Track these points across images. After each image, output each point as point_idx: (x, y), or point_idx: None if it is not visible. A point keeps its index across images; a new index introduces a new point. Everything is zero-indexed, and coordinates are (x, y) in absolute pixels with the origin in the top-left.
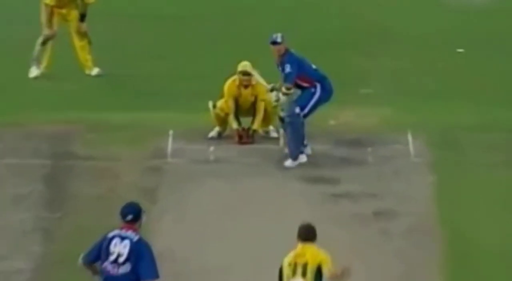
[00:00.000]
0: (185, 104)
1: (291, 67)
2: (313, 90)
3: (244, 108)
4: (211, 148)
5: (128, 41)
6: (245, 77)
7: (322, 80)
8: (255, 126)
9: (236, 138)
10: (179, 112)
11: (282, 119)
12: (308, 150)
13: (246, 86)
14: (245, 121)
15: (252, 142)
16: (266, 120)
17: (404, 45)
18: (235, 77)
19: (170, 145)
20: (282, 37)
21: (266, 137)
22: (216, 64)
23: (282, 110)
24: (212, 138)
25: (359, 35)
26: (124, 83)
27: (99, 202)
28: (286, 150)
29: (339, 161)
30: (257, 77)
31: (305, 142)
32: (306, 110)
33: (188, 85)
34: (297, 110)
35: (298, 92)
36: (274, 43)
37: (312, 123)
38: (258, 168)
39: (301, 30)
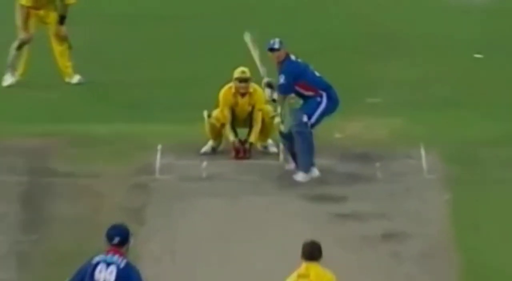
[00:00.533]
0: (176, 114)
1: (285, 78)
2: (318, 99)
3: (240, 118)
4: (204, 164)
5: (112, 45)
6: (242, 84)
7: (328, 89)
8: (252, 138)
9: (233, 152)
10: (168, 124)
11: (282, 134)
12: (315, 171)
13: (243, 94)
14: (242, 132)
15: (249, 157)
16: (264, 133)
17: (415, 50)
18: (231, 84)
19: (158, 161)
20: (281, 42)
21: (265, 152)
22: (210, 70)
23: (282, 122)
24: (205, 153)
25: (366, 39)
26: (108, 92)
27: (80, 223)
28: (288, 166)
29: (345, 177)
30: (255, 57)
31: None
32: (313, 119)
33: (179, 93)
34: (305, 118)
35: (300, 101)
36: (272, 49)
37: (316, 136)
38: (256, 186)
39: (302, 32)
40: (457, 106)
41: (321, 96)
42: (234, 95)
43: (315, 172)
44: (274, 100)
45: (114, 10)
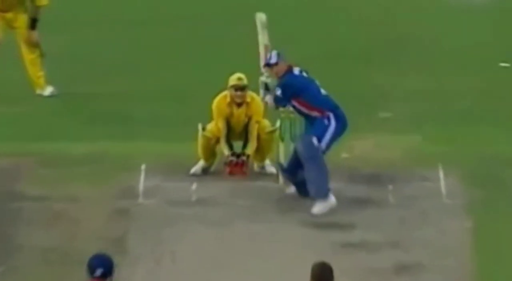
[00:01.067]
0: (162, 130)
1: (282, 92)
2: (326, 122)
3: (236, 131)
4: (194, 186)
5: (90, 53)
6: (238, 93)
7: (335, 109)
8: (249, 150)
9: (227, 169)
10: (154, 141)
11: (282, 168)
12: (332, 199)
13: (239, 104)
14: (238, 147)
15: (246, 172)
16: (261, 152)
17: (431, 57)
18: (226, 92)
19: (142, 183)
20: (279, 55)
21: (262, 173)
22: (202, 80)
23: (282, 139)
24: (194, 174)
25: (375, 45)
26: (85, 105)
27: (54, 253)
28: (288, 190)
29: (353, 202)
30: (260, 45)
31: None
32: (323, 144)
33: (166, 107)
34: (315, 141)
35: (302, 119)
36: (268, 65)
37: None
38: (253, 211)
39: (303, 37)
40: (479, 121)
41: (328, 118)
42: (229, 105)
43: (332, 199)
44: (266, 103)
45: (93, 15)
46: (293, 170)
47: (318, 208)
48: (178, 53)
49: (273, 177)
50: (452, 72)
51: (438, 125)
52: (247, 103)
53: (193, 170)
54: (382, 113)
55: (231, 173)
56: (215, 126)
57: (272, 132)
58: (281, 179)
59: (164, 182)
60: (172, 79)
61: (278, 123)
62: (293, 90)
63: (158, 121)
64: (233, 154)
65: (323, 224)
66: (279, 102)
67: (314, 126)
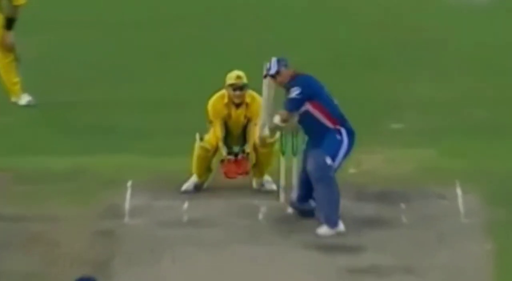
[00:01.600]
0: (150, 143)
1: (301, 92)
2: (338, 137)
3: (235, 134)
4: (185, 205)
5: (71, 58)
6: (237, 93)
7: (345, 122)
8: (249, 148)
9: (223, 168)
10: (141, 155)
11: (293, 203)
12: (341, 225)
13: (238, 105)
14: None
15: (246, 170)
16: (259, 168)
17: (449, 64)
18: (223, 92)
19: (128, 201)
20: (279, 62)
21: (261, 190)
22: (193, 88)
23: (283, 153)
24: (186, 192)
25: (388, 51)
26: (65, 116)
27: (33, 279)
28: (290, 209)
29: (362, 222)
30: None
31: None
32: (336, 163)
33: (153, 117)
34: (328, 161)
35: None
36: (270, 76)
37: None
38: (251, 232)
39: (307, 41)
40: (500, 133)
41: (340, 133)
42: (227, 105)
43: (341, 226)
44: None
45: (74, 14)
46: (305, 196)
47: (325, 230)
48: (167, 57)
49: (273, 194)
50: (470, 78)
51: (455, 137)
52: (247, 104)
53: (184, 187)
54: (393, 124)
55: (227, 175)
56: (214, 136)
57: (271, 144)
58: (282, 196)
59: (153, 200)
60: (161, 86)
61: (278, 134)
62: (311, 91)
63: (145, 133)
64: (230, 153)
65: (328, 246)
66: (294, 105)
67: (326, 141)
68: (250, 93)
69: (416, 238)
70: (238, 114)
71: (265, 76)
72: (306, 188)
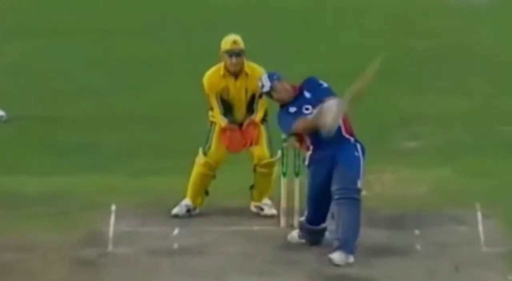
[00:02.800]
0: (134, 163)
1: (313, 95)
2: (356, 153)
3: (238, 112)
4: (175, 231)
5: (48, 67)
6: (234, 60)
7: (353, 133)
8: (257, 117)
9: (226, 140)
10: (125, 176)
11: (285, 174)
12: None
13: (236, 75)
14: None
15: (253, 142)
16: (257, 189)
17: (467, 74)
18: (219, 64)
19: (112, 227)
20: (270, 77)
21: (259, 215)
22: (180, 102)
23: (284, 174)
24: (177, 216)
25: (399, 62)
26: (41, 132)
27: None
28: (290, 236)
29: (373, 250)
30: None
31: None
32: (359, 184)
33: (138, 135)
34: (359, 184)
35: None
36: (265, 93)
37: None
38: (248, 261)
39: (314, 54)
40: None
41: (357, 149)
42: (224, 77)
43: (351, 259)
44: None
45: (52, 21)
46: (318, 217)
47: (340, 257)
48: (152, 70)
49: (273, 219)
50: (492, 88)
51: (475, 155)
52: (247, 74)
53: (176, 211)
54: (406, 140)
55: (229, 148)
56: (217, 151)
57: (271, 164)
58: (282, 221)
59: (139, 226)
60: (146, 101)
61: (279, 153)
62: (320, 95)
63: (130, 152)
64: (233, 122)
65: (335, 277)
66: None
67: (349, 158)
68: (249, 64)
69: (432, 268)
70: (238, 87)
71: (261, 96)
72: (319, 208)
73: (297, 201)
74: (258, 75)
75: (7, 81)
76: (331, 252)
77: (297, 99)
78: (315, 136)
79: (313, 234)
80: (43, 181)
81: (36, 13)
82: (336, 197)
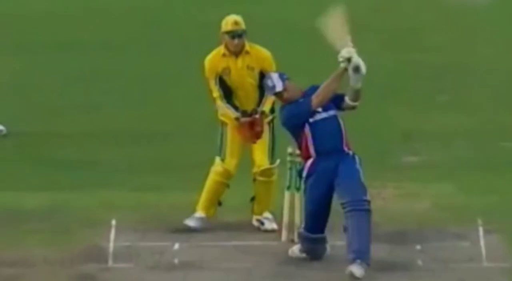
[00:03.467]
0: (133, 178)
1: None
2: (356, 166)
3: (242, 95)
4: (176, 246)
5: (44, 82)
6: (236, 41)
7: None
8: (265, 107)
9: (243, 132)
10: (124, 191)
11: (288, 187)
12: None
13: (237, 54)
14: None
15: (262, 131)
16: (258, 200)
17: (473, 89)
18: (220, 47)
19: (112, 242)
20: (282, 77)
21: (260, 229)
22: (178, 116)
23: (288, 188)
24: (193, 229)
25: (401, 75)
26: (40, 147)
27: None
28: (291, 251)
29: (375, 265)
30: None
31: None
32: (368, 195)
33: (137, 149)
34: (368, 195)
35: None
36: (274, 94)
37: (333, 209)
38: (250, 276)
39: (314, 67)
40: None
41: (355, 161)
42: (225, 57)
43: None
44: (355, 97)
45: (48, 36)
46: (317, 227)
47: (359, 270)
48: (148, 85)
49: (273, 234)
50: (492, 106)
51: (477, 171)
52: (247, 52)
53: (188, 222)
54: (408, 156)
55: (248, 135)
56: (232, 158)
57: (270, 172)
58: (283, 236)
59: (140, 241)
60: (142, 116)
61: (277, 162)
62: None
63: (128, 167)
64: (244, 113)
65: None
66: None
67: (352, 174)
68: (250, 44)
69: None
70: (239, 67)
71: (270, 95)
72: (318, 219)
73: (298, 216)
74: (262, 54)
75: (5, 97)
76: (338, 266)
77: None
78: (319, 145)
79: (313, 243)
80: (42, 197)
81: (33, 29)
82: (347, 209)
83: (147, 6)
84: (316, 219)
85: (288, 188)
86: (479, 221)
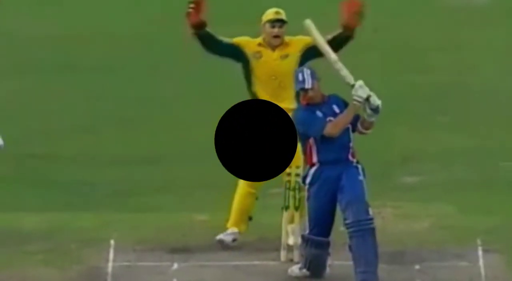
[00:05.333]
0: (131, 199)
1: (340, 111)
2: (360, 177)
3: (268, 89)
4: (175, 267)
5: (41, 104)
6: (276, 29)
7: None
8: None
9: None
10: (123, 211)
11: (287, 207)
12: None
13: (274, 47)
14: None
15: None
16: (296, 207)
17: (473, 109)
18: (259, 38)
19: (111, 262)
20: (313, 75)
21: (259, 249)
22: (177, 137)
23: (296, 208)
24: (221, 242)
25: (400, 94)
26: (39, 169)
27: None
28: (291, 271)
29: None
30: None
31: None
32: (371, 212)
33: (135, 171)
34: (371, 212)
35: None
36: (302, 89)
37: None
38: None
39: None
40: None
41: (359, 171)
42: (259, 45)
43: None
44: (368, 127)
45: (46, 60)
46: (325, 231)
47: None
48: (149, 107)
49: (273, 254)
50: (493, 126)
51: (477, 191)
52: (286, 43)
53: (221, 238)
54: (407, 177)
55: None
56: None
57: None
58: (282, 255)
59: (138, 261)
60: (143, 139)
61: (289, 180)
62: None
63: (126, 188)
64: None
65: None
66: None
67: (355, 187)
68: (289, 37)
69: None
70: (273, 57)
71: (298, 92)
72: (323, 224)
73: (297, 236)
74: (301, 40)
75: (4, 118)
76: None
77: (324, 106)
78: (324, 155)
79: (316, 247)
80: (41, 217)
81: (33, 50)
82: (351, 230)
83: (146, 30)
84: (321, 226)
85: (287, 208)
86: (479, 241)
